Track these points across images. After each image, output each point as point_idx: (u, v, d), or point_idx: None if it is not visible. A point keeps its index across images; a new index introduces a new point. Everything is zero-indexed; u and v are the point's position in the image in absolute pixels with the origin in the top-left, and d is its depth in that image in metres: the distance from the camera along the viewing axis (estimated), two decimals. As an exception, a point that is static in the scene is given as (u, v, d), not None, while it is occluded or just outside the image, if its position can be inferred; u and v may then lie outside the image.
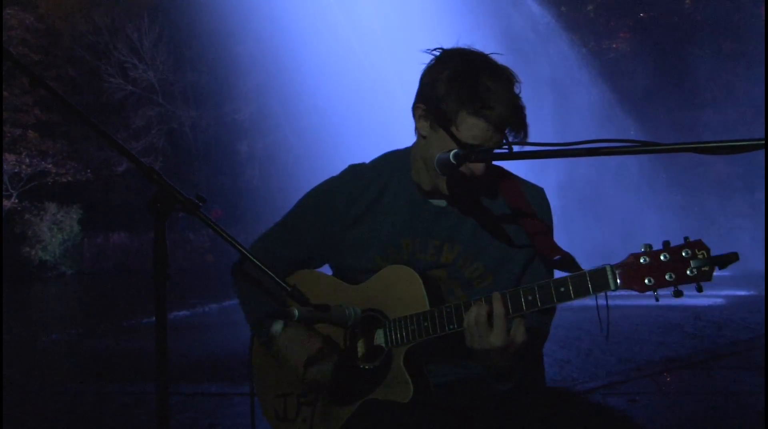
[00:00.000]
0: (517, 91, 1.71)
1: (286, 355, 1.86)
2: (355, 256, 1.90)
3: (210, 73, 22.81)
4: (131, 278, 18.04)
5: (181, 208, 1.46)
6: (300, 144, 19.88)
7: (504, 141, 1.70)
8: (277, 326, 1.77)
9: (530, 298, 1.60)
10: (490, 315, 1.61)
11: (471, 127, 1.67)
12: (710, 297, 8.82)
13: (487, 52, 1.76)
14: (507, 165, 1.86)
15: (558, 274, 1.75)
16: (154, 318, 1.43)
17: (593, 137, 1.45)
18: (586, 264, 1.64)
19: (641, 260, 1.50)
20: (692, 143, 1.25)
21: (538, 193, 1.90)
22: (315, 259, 1.99)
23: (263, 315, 1.89)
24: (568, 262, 1.69)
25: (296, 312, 1.56)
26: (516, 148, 1.62)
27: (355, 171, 1.96)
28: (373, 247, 1.87)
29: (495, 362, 1.64)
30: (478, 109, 1.65)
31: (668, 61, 20.22)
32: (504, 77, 1.70)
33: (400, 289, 1.77)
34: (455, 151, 1.61)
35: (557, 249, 1.73)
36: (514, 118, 1.69)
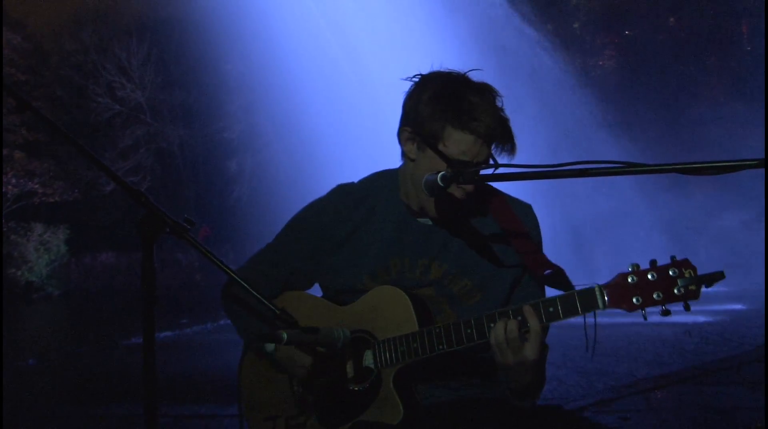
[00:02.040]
0: (500, 104, 1.73)
1: (292, 362, 1.81)
2: (343, 276, 1.90)
3: (198, 92, 22.84)
4: (119, 298, 17.88)
5: (170, 232, 1.47)
6: (290, 162, 19.88)
7: (492, 161, 1.71)
8: (270, 346, 1.78)
9: (520, 318, 1.60)
10: (520, 328, 1.60)
11: (459, 142, 1.68)
12: (702, 312, 8.86)
13: (468, 68, 1.78)
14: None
15: (548, 290, 1.76)
16: (141, 338, 1.42)
17: (580, 157, 1.46)
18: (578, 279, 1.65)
19: (629, 279, 1.51)
20: (678, 164, 1.27)
21: (527, 209, 1.91)
22: (305, 279, 1.99)
23: (252, 337, 1.89)
24: (558, 276, 1.69)
25: (284, 335, 1.56)
26: (501, 170, 1.63)
27: (343, 190, 1.96)
28: (361, 267, 1.87)
29: (526, 377, 1.64)
30: (465, 123, 1.67)
31: (654, 78, 20.47)
32: (486, 91, 1.72)
33: (389, 309, 1.77)
34: (442, 173, 1.62)
35: (548, 263, 1.73)
36: (501, 130, 1.70)
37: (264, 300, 1.57)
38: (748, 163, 1.25)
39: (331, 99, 17.61)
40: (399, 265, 1.86)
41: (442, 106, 1.69)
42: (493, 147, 1.72)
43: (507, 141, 1.72)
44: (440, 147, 1.69)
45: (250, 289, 1.56)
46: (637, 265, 1.51)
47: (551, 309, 1.57)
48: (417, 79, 1.78)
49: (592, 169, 1.39)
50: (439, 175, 1.62)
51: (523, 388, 1.67)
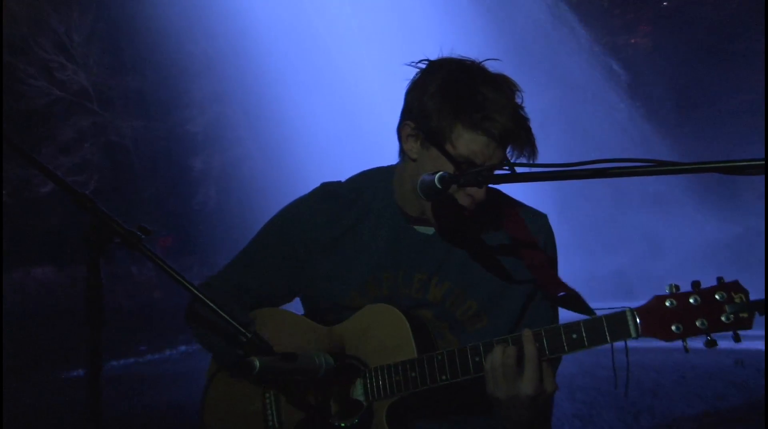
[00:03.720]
0: (518, 100, 1.74)
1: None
2: (328, 289, 1.91)
3: (156, 77, 22.76)
4: (60, 322, 17.77)
5: (121, 242, 1.48)
6: (264, 160, 19.87)
7: (505, 161, 1.72)
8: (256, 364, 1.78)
9: (537, 345, 1.62)
10: (519, 357, 1.62)
11: (469, 143, 1.69)
12: (756, 337, 8.87)
13: (482, 57, 1.79)
14: (504, 188, 1.88)
15: (562, 312, 1.77)
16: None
17: (605, 153, 1.48)
18: (597, 299, 1.66)
19: (667, 303, 1.51)
20: (715, 162, 1.28)
21: (541, 220, 1.93)
22: (283, 292, 2.01)
23: (223, 366, 1.90)
24: (573, 299, 1.71)
25: (257, 363, 1.56)
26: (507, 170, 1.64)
27: (328, 190, 1.98)
28: (349, 280, 1.89)
29: (520, 416, 1.65)
30: (477, 121, 1.68)
31: (698, 58, 20.50)
32: (503, 85, 1.73)
33: (383, 332, 1.78)
34: (441, 173, 1.64)
35: (562, 285, 1.75)
36: (519, 131, 1.71)
37: (233, 321, 1.58)
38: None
39: (314, 88, 17.62)
40: (392, 279, 1.87)
41: (451, 100, 1.70)
42: (509, 149, 1.73)
43: (526, 144, 1.73)
44: (447, 147, 1.71)
45: (217, 309, 1.57)
46: (677, 287, 1.51)
47: (574, 335, 1.58)
48: (423, 66, 1.80)
49: (615, 168, 1.41)
50: (437, 175, 1.63)
51: (521, 427, 1.67)
